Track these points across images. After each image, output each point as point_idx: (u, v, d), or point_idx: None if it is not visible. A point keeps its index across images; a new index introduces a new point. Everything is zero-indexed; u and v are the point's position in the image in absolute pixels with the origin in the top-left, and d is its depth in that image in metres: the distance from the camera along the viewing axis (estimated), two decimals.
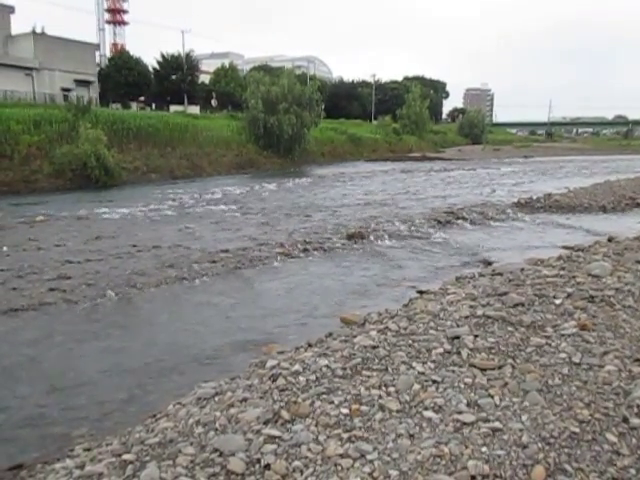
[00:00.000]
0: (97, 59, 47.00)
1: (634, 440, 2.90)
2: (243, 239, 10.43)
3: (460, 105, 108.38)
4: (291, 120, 31.90)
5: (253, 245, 9.78)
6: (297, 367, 3.93)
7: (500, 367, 3.72)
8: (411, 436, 3.01)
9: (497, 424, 3.06)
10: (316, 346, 4.66)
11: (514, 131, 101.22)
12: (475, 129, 69.75)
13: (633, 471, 2.69)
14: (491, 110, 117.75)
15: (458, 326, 4.51)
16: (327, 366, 3.90)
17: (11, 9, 39.94)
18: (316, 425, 3.15)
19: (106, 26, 72.95)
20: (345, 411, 3.26)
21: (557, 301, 5.05)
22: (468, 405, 3.27)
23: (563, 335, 4.22)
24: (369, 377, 3.68)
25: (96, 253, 9.14)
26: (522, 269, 6.93)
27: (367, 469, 2.78)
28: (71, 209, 14.34)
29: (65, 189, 19.40)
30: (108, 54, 59.07)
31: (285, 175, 26.62)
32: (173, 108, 43.82)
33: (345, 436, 3.04)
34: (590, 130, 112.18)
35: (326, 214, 13.74)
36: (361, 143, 44.53)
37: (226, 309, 6.68)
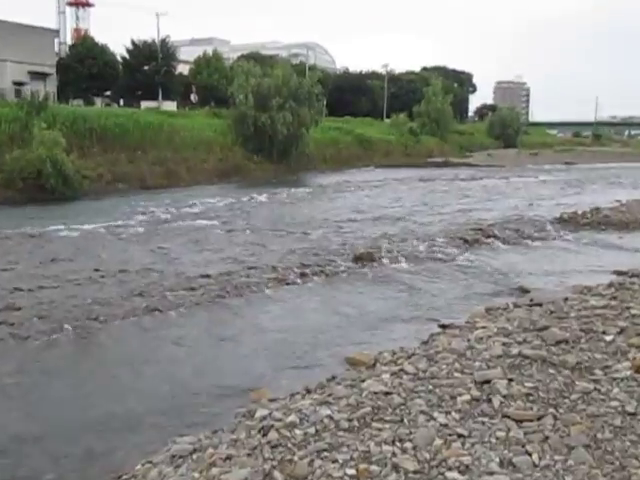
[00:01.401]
0: (56, 47, 47.84)
1: None
2: (228, 262, 10.47)
3: (490, 101, 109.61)
4: (286, 118, 32.29)
5: (240, 269, 9.82)
6: (293, 418, 3.93)
7: (539, 418, 3.72)
8: None
9: None
10: (316, 392, 4.66)
11: (554, 132, 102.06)
12: (508, 129, 70.41)
13: None
14: (527, 107, 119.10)
15: (489, 368, 4.52)
16: (329, 417, 3.90)
17: None
18: None
19: (67, 9, 74.29)
20: (351, 472, 3.26)
21: (607, 337, 5.06)
22: (501, 464, 3.27)
23: (615, 379, 4.23)
24: (380, 430, 3.69)
25: (51, 279, 9.17)
26: (566, 299, 6.96)
27: None
28: (21, 225, 14.43)
29: (15, 202, 19.52)
30: (69, 41, 60.13)
31: (279, 184, 26.77)
32: (145, 104, 44.35)
33: None
34: None
35: (328, 231, 13.82)
36: (371, 146, 44.96)
37: (207, 347, 6.69)
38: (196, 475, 3.39)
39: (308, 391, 4.77)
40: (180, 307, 7.91)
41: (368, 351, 6.05)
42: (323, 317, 7.69)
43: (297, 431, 3.76)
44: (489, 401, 3.97)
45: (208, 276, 9.29)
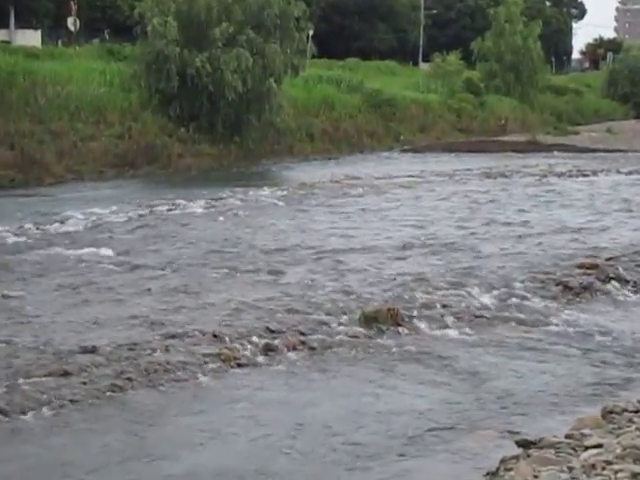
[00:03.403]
0: None
1: None
2: (131, 324, 10.45)
3: (609, 34, 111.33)
4: (242, 61, 32.42)
5: (153, 337, 9.80)
6: None
7: None
8: None
9: None
10: None
11: None
12: None
13: None
14: None
15: None
16: None
17: None
18: None
19: None
20: None
21: None
22: None
23: None
24: None
25: None
26: None
27: None
28: None
29: None
30: None
31: (227, 181, 26.77)
32: None
33: None
34: None
35: (316, 269, 13.89)
36: (395, 112, 45.21)
37: None
38: None
39: None
40: (43, 407, 7.82)
41: None
42: (304, 429, 7.62)
43: None
44: None
45: (94, 350, 9.23)
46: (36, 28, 49.13)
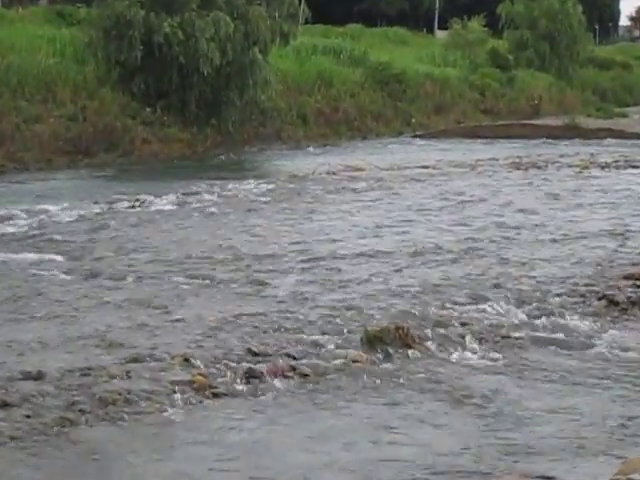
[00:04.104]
0: None
1: None
2: (85, 344, 10.44)
3: None
4: (220, 28, 32.46)
5: (111, 361, 9.78)
6: None
7: None
8: None
9: None
10: None
11: None
12: None
13: None
14: None
15: None
16: None
17: None
18: None
19: None
20: None
21: None
22: None
23: None
24: None
25: None
26: None
27: None
28: None
29: None
30: None
31: (202, 172, 26.77)
32: None
33: None
34: None
35: (308, 279, 13.90)
36: (406, 90, 45.15)
37: None
38: None
39: None
40: None
41: None
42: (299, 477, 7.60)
43: None
44: None
45: (40, 376, 9.20)
46: None
